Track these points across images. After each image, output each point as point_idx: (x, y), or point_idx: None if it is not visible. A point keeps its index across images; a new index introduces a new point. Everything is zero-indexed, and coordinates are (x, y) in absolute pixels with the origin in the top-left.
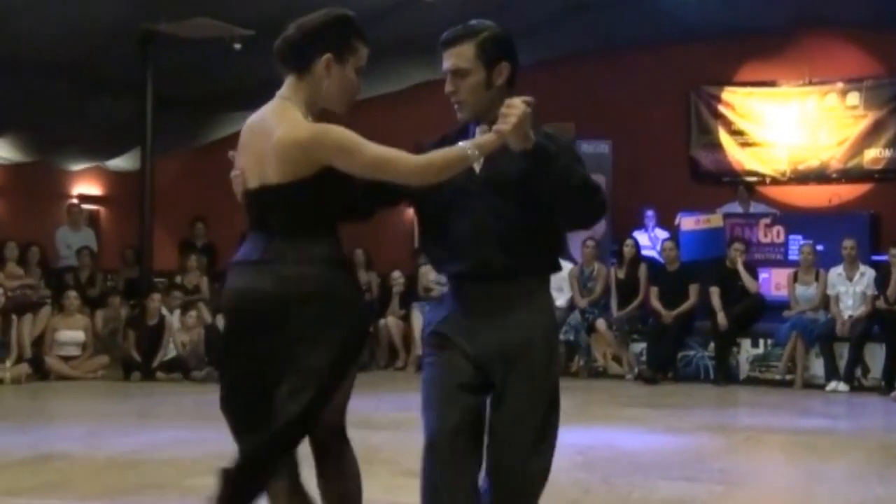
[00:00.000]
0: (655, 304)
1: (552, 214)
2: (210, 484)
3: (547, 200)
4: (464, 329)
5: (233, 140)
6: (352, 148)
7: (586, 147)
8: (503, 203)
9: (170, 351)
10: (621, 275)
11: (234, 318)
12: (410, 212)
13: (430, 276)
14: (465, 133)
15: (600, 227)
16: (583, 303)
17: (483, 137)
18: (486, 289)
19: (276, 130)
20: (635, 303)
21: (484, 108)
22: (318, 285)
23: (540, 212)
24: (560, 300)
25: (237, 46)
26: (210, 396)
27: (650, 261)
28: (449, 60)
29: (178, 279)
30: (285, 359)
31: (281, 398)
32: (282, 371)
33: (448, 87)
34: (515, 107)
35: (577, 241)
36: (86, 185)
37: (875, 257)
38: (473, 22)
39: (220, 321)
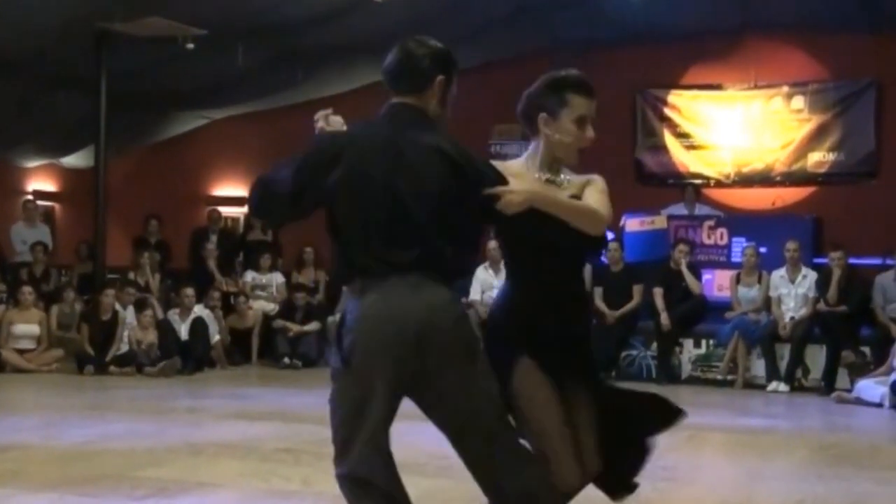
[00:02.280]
0: (599, 304)
1: None
2: (160, 475)
3: None
4: None
5: (186, 138)
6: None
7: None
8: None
9: (123, 345)
10: None
11: None
12: None
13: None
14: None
15: None
16: None
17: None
18: None
19: None
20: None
21: None
22: None
23: None
24: None
25: (190, 46)
26: (161, 390)
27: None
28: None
29: (131, 275)
30: None
31: None
32: None
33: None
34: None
35: None
36: (41, 182)
37: (817, 260)
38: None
39: (172, 317)
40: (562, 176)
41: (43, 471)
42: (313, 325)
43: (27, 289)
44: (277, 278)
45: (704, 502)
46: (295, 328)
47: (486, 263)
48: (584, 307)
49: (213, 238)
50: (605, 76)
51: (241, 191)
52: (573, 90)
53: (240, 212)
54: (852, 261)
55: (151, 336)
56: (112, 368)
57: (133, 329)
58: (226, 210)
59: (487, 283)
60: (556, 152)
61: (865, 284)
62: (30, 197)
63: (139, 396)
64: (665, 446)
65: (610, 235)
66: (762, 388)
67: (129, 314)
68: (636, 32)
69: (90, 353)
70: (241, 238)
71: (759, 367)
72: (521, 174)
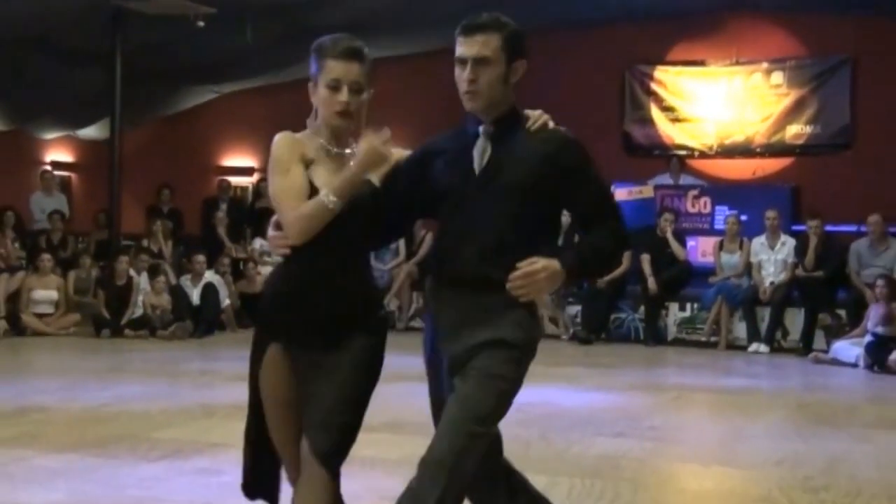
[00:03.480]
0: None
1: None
2: (175, 436)
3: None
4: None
5: (197, 112)
6: (272, 170)
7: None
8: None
9: (137, 310)
10: (559, 242)
11: None
12: None
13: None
14: (464, 131)
15: None
16: None
17: (337, 183)
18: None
19: None
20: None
21: (495, 102)
22: None
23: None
24: None
25: (200, 24)
26: (174, 353)
27: None
28: (473, 48)
29: (144, 242)
30: None
31: None
32: None
33: (468, 75)
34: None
35: None
36: (58, 153)
37: (795, 227)
38: (495, 14)
39: (184, 282)
40: (349, 151)
41: (62, 432)
42: None
43: (46, 256)
44: None
45: (691, 460)
46: None
47: None
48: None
49: (223, 206)
50: (594, 53)
51: (249, 161)
52: (328, 55)
53: (248, 181)
54: (828, 228)
55: (164, 301)
56: (127, 332)
57: (147, 294)
58: (235, 179)
59: None
60: (324, 119)
61: (841, 251)
62: (48, 167)
63: (153, 359)
64: (652, 406)
65: None
66: (744, 349)
67: (142, 280)
68: (624, 11)
69: (106, 316)
70: (251, 206)
71: (740, 329)
72: (306, 146)
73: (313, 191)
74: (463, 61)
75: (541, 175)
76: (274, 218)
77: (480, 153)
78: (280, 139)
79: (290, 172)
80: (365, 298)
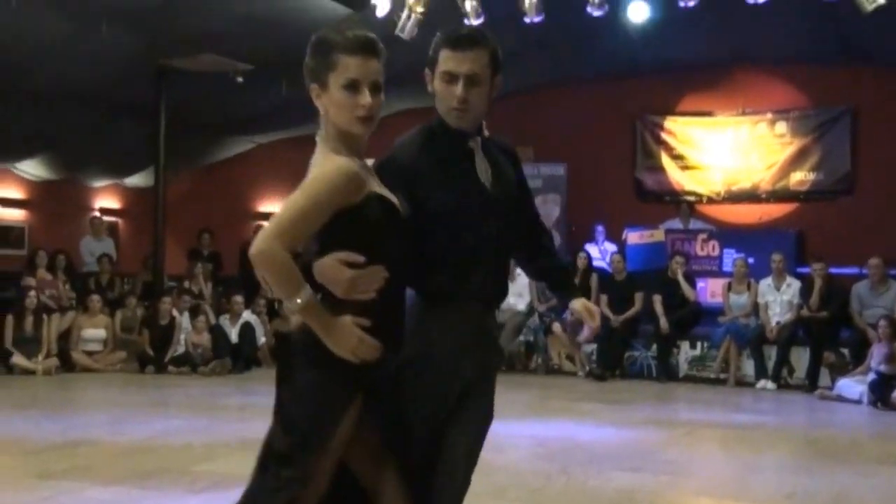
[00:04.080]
0: (605, 309)
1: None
2: (216, 469)
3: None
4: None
5: (236, 161)
6: (309, 186)
7: (544, 169)
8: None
9: (179, 347)
10: (576, 282)
11: None
12: None
13: None
14: (440, 145)
15: (557, 241)
16: (541, 307)
17: (331, 330)
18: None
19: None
20: None
21: (480, 117)
22: None
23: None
24: (521, 305)
25: (239, 79)
26: (214, 388)
27: (600, 271)
28: (464, 64)
29: (186, 284)
30: None
31: None
32: None
33: (460, 93)
34: (337, 275)
35: None
36: (106, 200)
37: (800, 269)
38: (477, 27)
39: (223, 321)
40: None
41: (110, 465)
42: None
43: (95, 297)
44: None
45: (705, 493)
46: None
47: None
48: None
49: None
50: (608, 104)
51: None
52: (341, 50)
53: None
54: (832, 270)
55: (205, 339)
56: (170, 368)
57: (188, 333)
58: None
59: None
60: (339, 126)
61: (844, 292)
62: (96, 213)
63: (194, 394)
64: (665, 440)
65: (613, 248)
66: (752, 385)
67: (184, 319)
68: (636, 65)
69: (150, 354)
70: None
71: (748, 367)
72: (365, 182)
73: (394, 209)
74: (453, 77)
75: (517, 185)
76: (348, 256)
77: (483, 170)
78: (346, 171)
79: (321, 211)
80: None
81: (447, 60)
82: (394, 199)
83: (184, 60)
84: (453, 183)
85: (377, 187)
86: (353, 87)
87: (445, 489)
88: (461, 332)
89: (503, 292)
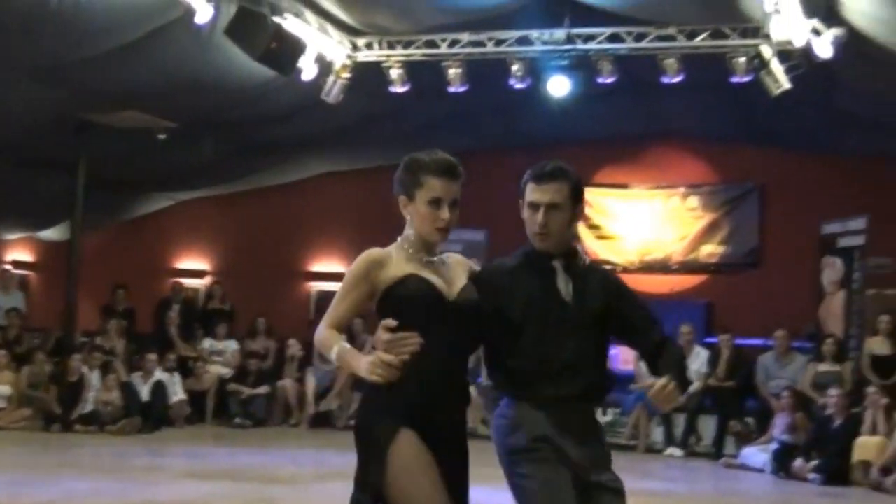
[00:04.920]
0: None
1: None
2: None
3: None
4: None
5: (154, 217)
6: (344, 280)
7: (465, 234)
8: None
9: (88, 405)
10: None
11: None
12: (307, 285)
13: None
14: (529, 265)
15: None
16: None
17: (346, 359)
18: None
19: None
20: None
21: (564, 241)
22: None
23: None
24: None
25: (162, 136)
26: (123, 448)
27: None
28: (546, 195)
29: (98, 340)
30: None
31: None
32: None
33: (541, 220)
34: (389, 361)
35: None
36: (19, 253)
37: (708, 339)
38: (560, 164)
39: (135, 379)
40: (437, 259)
41: None
42: (263, 389)
43: (1, 351)
44: (232, 345)
45: None
46: (247, 391)
47: None
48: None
49: (176, 307)
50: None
51: (202, 264)
52: (428, 172)
53: (201, 283)
54: (738, 341)
55: (115, 397)
56: (77, 426)
57: (98, 390)
58: (188, 281)
59: None
60: (421, 234)
61: (750, 362)
62: (7, 266)
63: (101, 454)
64: None
65: None
66: (660, 452)
67: (94, 376)
68: (557, 137)
69: (56, 411)
70: (203, 307)
71: (658, 434)
72: (385, 259)
73: (432, 289)
74: (536, 206)
75: (606, 301)
76: (386, 322)
77: (565, 287)
78: (360, 259)
79: (349, 295)
80: (465, 396)
81: (532, 192)
82: (437, 281)
83: (105, 116)
84: (532, 296)
85: (425, 272)
86: (436, 203)
87: None
88: (538, 423)
89: (591, 387)
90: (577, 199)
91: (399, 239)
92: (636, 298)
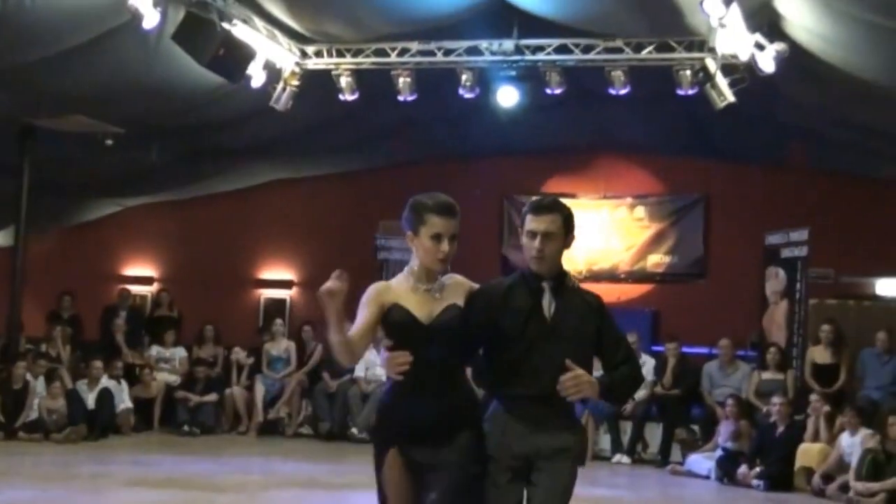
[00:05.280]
0: (471, 381)
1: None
2: None
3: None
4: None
5: (101, 223)
6: (360, 309)
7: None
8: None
9: (32, 413)
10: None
11: None
12: (257, 292)
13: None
14: (523, 284)
15: None
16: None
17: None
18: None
19: None
20: None
21: (556, 265)
22: None
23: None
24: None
25: (109, 142)
26: (68, 457)
27: None
28: (542, 224)
29: (43, 347)
30: None
31: None
32: None
33: (538, 245)
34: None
35: None
36: None
37: (655, 348)
38: (556, 199)
39: (81, 387)
40: (436, 284)
41: None
42: (211, 396)
43: None
44: (180, 353)
45: None
46: (195, 398)
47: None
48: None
49: (123, 314)
50: (477, 182)
51: (149, 271)
52: (430, 211)
53: (148, 290)
54: (684, 350)
55: (60, 405)
56: (21, 434)
57: (42, 398)
58: (135, 288)
59: (371, 361)
60: (424, 264)
61: (695, 371)
62: None
63: (46, 462)
64: None
65: None
66: (608, 459)
67: (39, 384)
68: (506, 146)
69: (0, 419)
70: (150, 314)
71: (605, 441)
72: (387, 289)
73: (410, 317)
74: (534, 234)
75: (588, 323)
76: (385, 342)
77: (548, 305)
78: (370, 289)
79: (360, 313)
80: (462, 402)
81: (530, 222)
82: (418, 309)
83: (51, 120)
84: (521, 311)
85: (412, 301)
86: (437, 238)
87: None
88: (519, 423)
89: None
90: (568, 230)
91: (405, 269)
92: (612, 322)
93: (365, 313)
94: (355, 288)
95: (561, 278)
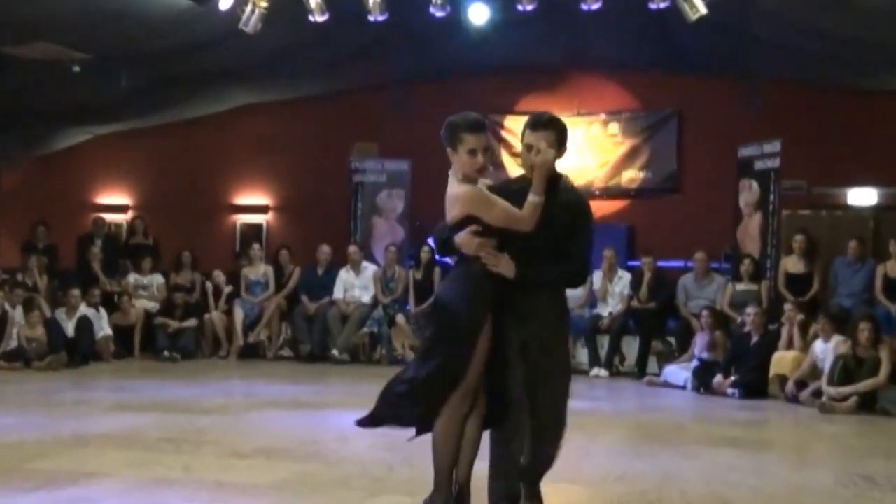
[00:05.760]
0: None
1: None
2: (49, 467)
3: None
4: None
5: (73, 151)
6: (486, 204)
7: (389, 165)
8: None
9: (12, 342)
10: (418, 276)
11: None
12: (233, 218)
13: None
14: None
15: (400, 234)
16: (385, 300)
17: (532, 197)
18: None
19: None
20: (430, 300)
21: (551, 172)
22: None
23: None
24: (365, 297)
25: (76, 69)
26: (49, 384)
27: (443, 264)
28: (539, 139)
29: (20, 277)
30: None
31: None
32: None
33: (533, 156)
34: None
35: (381, 245)
36: None
37: (631, 263)
38: (552, 115)
39: (59, 315)
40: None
41: None
42: (191, 322)
43: None
44: (158, 279)
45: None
46: (174, 324)
47: (347, 266)
48: None
49: (98, 242)
50: (450, 102)
51: (123, 199)
52: (463, 130)
53: (123, 218)
54: (660, 264)
55: (39, 333)
56: (1, 363)
57: (21, 327)
58: (110, 216)
59: (349, 283)
60: (466, 174)
61: (670, 284)
62: None
63: (28, 390)
64: None
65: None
66: (586, 373)
67: (17, 313)
68: (478, 65)
69: None
70: (125, 242)
71: (583, 356)
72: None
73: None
74: (531, 148)
75: (566, 215)
76: (471, 228)
77: None
78: (475, 189)
79: (498, 201)
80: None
81: (528, 136)
82: None
83: (15, 48)
84: (519, 207)
85: None
86: (472, 153)
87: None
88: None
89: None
90: (561, 143)
91: (451, 176)
92: (584, 225)
93: (501, 201)
94: (332, 210)
95: (554, 181)
